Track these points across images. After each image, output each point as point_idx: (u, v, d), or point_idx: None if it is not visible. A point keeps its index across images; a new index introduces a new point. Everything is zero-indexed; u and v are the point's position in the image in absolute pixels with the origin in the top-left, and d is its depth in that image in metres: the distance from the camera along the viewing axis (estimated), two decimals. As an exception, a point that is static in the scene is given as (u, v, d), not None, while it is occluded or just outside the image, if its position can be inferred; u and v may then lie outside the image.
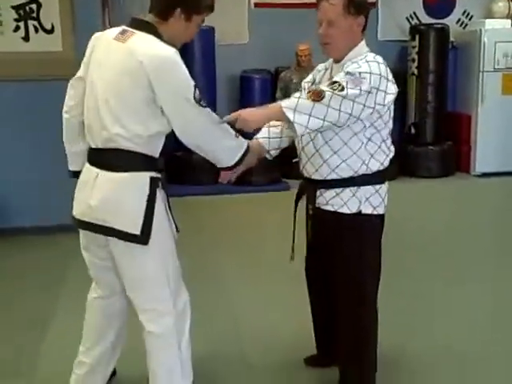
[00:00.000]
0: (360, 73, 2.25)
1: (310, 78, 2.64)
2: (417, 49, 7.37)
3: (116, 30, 2.30)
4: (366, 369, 2.57)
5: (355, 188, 2.42)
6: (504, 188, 6.90)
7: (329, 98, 2.20)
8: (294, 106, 2.21)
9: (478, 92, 7.33)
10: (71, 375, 2.60)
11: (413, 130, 7.56)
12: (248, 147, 2.39)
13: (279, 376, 2.90)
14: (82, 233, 2.44)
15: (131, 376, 2.81)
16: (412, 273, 4.18)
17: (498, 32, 7.27)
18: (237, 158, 2.35)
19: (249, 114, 2.30)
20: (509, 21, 7.48)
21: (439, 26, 7.46)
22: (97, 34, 2.39)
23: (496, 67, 7.26)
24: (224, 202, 6.35)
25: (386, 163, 2.47)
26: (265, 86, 7.37)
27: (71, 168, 2.57)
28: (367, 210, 2.44)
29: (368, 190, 2.44)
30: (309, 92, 2.26)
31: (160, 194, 2.31)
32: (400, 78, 7.63)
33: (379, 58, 2.36)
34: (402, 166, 7.11)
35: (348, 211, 2.43)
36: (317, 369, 2.88)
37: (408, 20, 7.99)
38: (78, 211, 2.35)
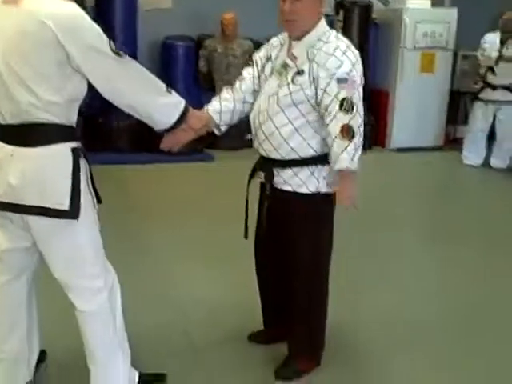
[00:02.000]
0: (348, 72, 2.30)
1: (263, 53, 2.60)
2: (341, 23, 7.44)
3: None
4: (317, 328, 2.67)
5: (313, 167, 2.44)
6: (417, 162, 7.08)
7: (357, 125, 2.32)
8: (352, 159, 2.32)
9: (397, 70, 7.50)
10: None
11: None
12: (186, 106, 2.32)
13: (223, 352, 2.90)
14: None
15: (63, 358, 2.73)
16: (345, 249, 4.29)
17: (418, 12, 7.45)
18: (175, 118, 2.27)
19: (346, 194, 2.40)
20: (428, 1, 7.66)
21: (363, 2, 7.54)
22: None
23: (416, 46, 7.44)
24: (144, 172, 6.16)
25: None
26: (188, 54, 7.22)
27: None
28: (323, 188, 2.47)
29: (324, 168, 2.46)
30: (344, 135, 2.30)
31: (82, 165, 2.21)
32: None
33: (344, 40, 2.40)
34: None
35: (307, 191, 2.46)
36: (261, 345, 2.92)
37: (333, -7, 8.01)
38: None
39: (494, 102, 6.55)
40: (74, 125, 2.21)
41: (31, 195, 2.13)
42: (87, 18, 2.08)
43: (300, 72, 2.38)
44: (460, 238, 4.62)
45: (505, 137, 6.69)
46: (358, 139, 2.34)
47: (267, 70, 2.53)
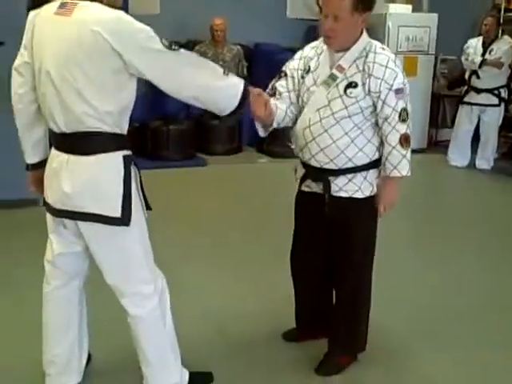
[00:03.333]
0: (404, 83, 2.43)
1: (298, 64, 2.60)
2: (325, 29, 7.55)
3: (53, 5, 2.14)
4: (363, 337, 2.79)
5: (365, 172, 2.54)
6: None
7: (410, 131, 2.48)
8: (410, 167, 2.50)
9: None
10: (44, 377, 2.51)
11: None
12: (245, 84, 2.29)
13: (260, 351, 2.97)
14: (49, 216, 2.35)
15: (109, 361, 2.78)
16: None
17: (400, 16, 7.62)
18: (239, 96, 2.25)
19: (391, 198, 2.58)
20: (409, 6, 7.85)
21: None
22: (33, 13, 2.23)
23: (399, 50, 7.61)
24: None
25: None
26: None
27: (30, 161, 2.41)
28: (374, 191, 2.58)
29: (375, 172, 2.57)
30: (402, 143, 2.45)
31: (133, 172, 2.26)
32: (309, 56, 7.84)
33: (389, 50, 2.49)
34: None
35: (363, 195, 2.55)
36: (295, 343, 3.00)
37: (316, -1, 8.13)
38: (53, 199, 2.24)
39: (478, 105, 6.73)
40: (125, 132, 2.25)
41: (85, 202, 2.18)
42: (133, 20, 2.10)
43: (353, 84, 2.43)
44: (448, 238, 4.72)
45: (489, 139, 6.90)
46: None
47: (308, 81, 2.54)
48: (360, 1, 2.34)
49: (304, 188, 2.69)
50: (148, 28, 2.11)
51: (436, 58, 8.09)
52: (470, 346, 3.08)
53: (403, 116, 2.44)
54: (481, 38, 6.73)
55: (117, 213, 2.18)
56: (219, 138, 7.16)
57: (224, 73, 2.25)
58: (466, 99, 6.85)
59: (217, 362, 2.81)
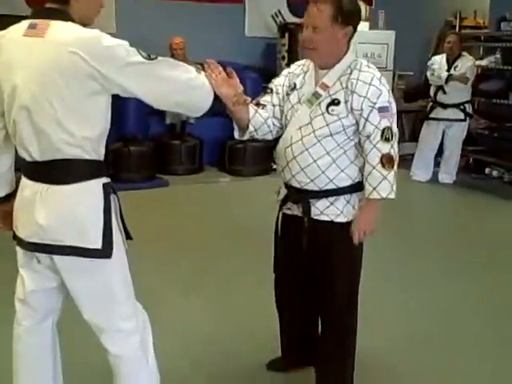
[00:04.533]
0: (389, 102, 2.33)
1: (283, 81, 2.52)
2: (286, 47, 7.53)
3: (21, 26, 1.99)
4: (350, 367, 2.63)
5: (348, 196, 2.42)
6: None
7: (396, 154, 2.35)
8: (392, 189, 2.35)
9: (342, 90, 7.65)
10: None
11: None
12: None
13: (243, 382, 2.86)
14: (20, 250, 2.17)
15: None
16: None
17: (359, 34, 7.56)
18: (212, 90, 2.14)
19: (368, 222, 2.41)
20: (367, 23, 7.90)
21: (307, 25, 7.68)
22: None
23: (356, 67, 7.64)
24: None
25: None
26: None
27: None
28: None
29: (358, 195, 2.45)
30: (384, 163, 2.31)
31: (113, 201, 2.11)
32: (269, 74, 7.75)
33: (375, 69, 2.39)
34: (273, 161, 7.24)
35: (345, 220, 2.43)
36: (280, 374, 2.87)
37: (273, 18, 8.13)
38: (26, 233, 2.06)
39: (444, 120, 6.78)
40: (103, 159, 2.10)
41: (62, 235, 2.01)
42: (110, 37, 1.97)
43: (335, 101, 2.35)
44: (416, 255, 4.71)
45: (453, 153, 6.95)
46: (396, 168, 2.36)
47: (293, 99, 2.47)
48: (340, 13, 2.28)
49: (285, 211, 2.58)
50: (125, 42, 1.99)
51: (394, 74, 8.17)
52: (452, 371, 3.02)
53: (386, 135, 2.32)
54: (444, 55, 6.81)
55: (97, 244, 2.02)
56: (180, 157, 7.01)
57: (196, 70, 2.14)
58: (432, 115, 6.88)
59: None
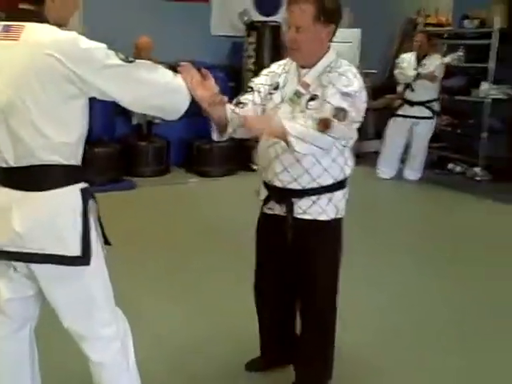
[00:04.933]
0: (355, 92, 2.28)
1: (265, 80, 2.52)
2: (254, 45, 7.52)
3: None
4: (331, 364, 2.70)
5: (330, 194, 2.44)
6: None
7: (335, 130, 2.22)
8: (300, 135, 2.19)
9: (307, 89, 7.67)
10: None
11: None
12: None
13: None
14: None
15: None
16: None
17: (324, 32, 7.67)
18: (187, 89, 2.10)
19: (256, 121, 2.30)
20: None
21: (273, 23, 7.68)
22: None
23: (324, 65, 7.67)
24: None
25: (353, 166, 2.53)
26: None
27: None
28: (339, 214, 2.50)
29: (339, 194, 2.49)
30: (319, 122, 2.21)
31: (92, 206, 2.08)
32: (236, 73, 7.76)
33: (354, 67, 2.41)
34: (241, 161, 7.29)
35: (327, 218, 2.47)
36: (259, 373, 2.90)
37: (239, 16, 8.09)
38: (1, 241, 2.01)
39: (412, 117, 6.86)
40: (80, 163, 2.07)
41: (41, 243, 1.98)
42: (87, 39, 1.94)
43: (313, 97, 2.37)
44: (383, 251, 4.76)
45: (419, 150, 7.05)
46: (325, 142, 2.26)
47: (277, 98, 2.47)
48: (322, 12, 2.30)
49: (266, 210, 2.59)
50: (103, 45, 1.96)
51: (360, 73, 8.20)
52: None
53: (339, 115, 2.21)
54: (414, 53, 6.89)
55: (76, 252, 2.00)
56: (147, 159, 6.94)
57: (174, 73, 2.11)
58: (400, 112, 6.96)
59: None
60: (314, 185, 2.42)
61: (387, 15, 8.75)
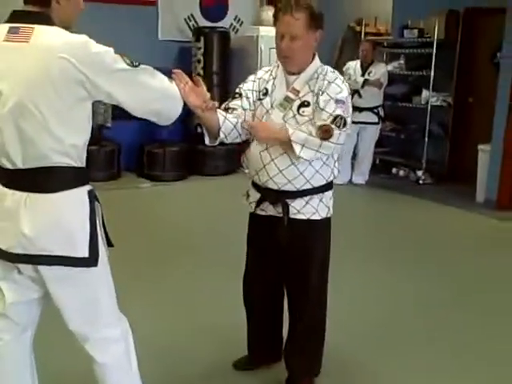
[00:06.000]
0: (346, 97, 2.43)
1: (253, 86, 2.59)
2: (202, 50, 7.56)
3: (0, 31, 1.94)
4: (320, 357, 2.80)
5: (321, 194, 2.54)
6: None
7: (336, 137, 2.38)
8: (304, 142, 2.36)
9: (255, 94, 7.77)
10: None
11: (199, 130, 7.70)
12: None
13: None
14: None
15: None
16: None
17: (271, 39, 7.71)
18: (180, 96, 2.16)
19: (262, 128, 2.43)
20: (277, 28, 8.06)
21: (221, 29, 7.75)
22: None
23: (271, 71, 7.78)
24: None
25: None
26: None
27: None
28: (329, 213, 2.60)
29: (329, 194, 2.59)
30: (319, 129, 2.35)
31: (97, 208, 2.09)
32: (184, 78, 7.76)
33: (339, 74, 2.52)
34: (192, 165, 7.30)
35: (319, 217, 2.56)
36: (248, 372, 2.94)
37: (186, 21, 8.13)
38: (8, 244, 2.00)
39: (360, 123, 7.07)
40: (85, 165, 2.08)
41: (50, 245, 1.98)
42: (96, 43, 1.96)
43: (305, 103, 2.46)
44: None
45: (366, 155, 7.29)
46: (328, 149, 2.40)
47: (267, 104, 2.54)
48: (313, 19, 2.40)
49: (259, 212, 2.64)
50: (111, 48, 1.98)
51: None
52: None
53: (338, 122, 2.38)
54: (358, 61, 7.11)
55: (84, 253, 2.01)
56: (97, 163, 6.83)
57: (169, 80, 2.16)
58: None
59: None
60: (308, 186, 2.51)
61: (329, 23, 8.94)
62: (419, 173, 7.49)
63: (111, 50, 1.97)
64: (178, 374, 2.95)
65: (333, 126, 2.37)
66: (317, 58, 2.53)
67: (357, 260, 4.68)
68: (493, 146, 6.49)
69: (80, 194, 2.02)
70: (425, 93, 7.55)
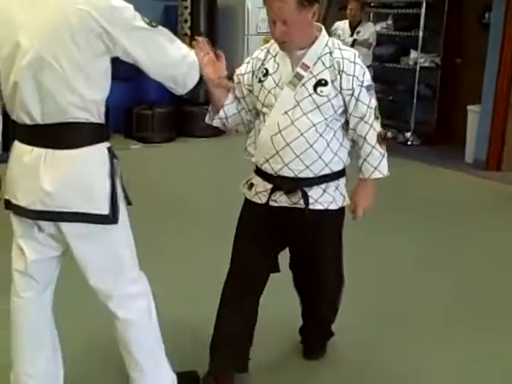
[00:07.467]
0: (371, 80, 2.33)
1: (245, 68, 2.39)
2: (189, 10, 7.43)
3: None
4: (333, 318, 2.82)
5: (336, 182, 2.39)
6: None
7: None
8: (377, 166, 2.38)
9: (243, 55, 7.68)
10: None
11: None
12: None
13: None
14: (17, 220, 2.08)
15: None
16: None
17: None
18: (198, 65, 2.12)
19: (368, 199, 2.47)
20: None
21: (208, -12, 7.61)
22: None
23: (258, 31, 7.71)
24: None
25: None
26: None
27: None
28: (345, 201, 2.44)
29: (343, 181, 2.43)
30: (380, 142, 2.36)
31: (117, 166, 2.07)
32: (170, 38, 7.64)
33: (351, 49, 2.39)
34: (181, 127, 7.23)
35: (336, 206, 2.40)
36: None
37: (172, -21, 7.94)
38: (28, 200, 1.98)
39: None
40: (104, 122, 2.05)
41: (71, 201, 1.96)
42: None
43: (322, 82, 2.25)
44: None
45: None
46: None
47: (269, 85, 2.30)
48: None
49: (271, 203, 2.37)
50: (131, 5, 1.94)
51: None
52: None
53: (377, 114, 2.31)
54: (347, 21, 7.01)
55: (105, 210, 2.00)
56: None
57: (188, 48, 2.12)
58: None
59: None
60: (327, 171, 2.32)
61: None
62: (407, 134, 7.53)
63: (131, 6, 1.93)
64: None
65: (380, 130, 2.36)
66: (324, 30, 2.33)
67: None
68: (482, 106, 6.51)
69: (100, 151, 2.00)
70: (413, 53, 7.54)
